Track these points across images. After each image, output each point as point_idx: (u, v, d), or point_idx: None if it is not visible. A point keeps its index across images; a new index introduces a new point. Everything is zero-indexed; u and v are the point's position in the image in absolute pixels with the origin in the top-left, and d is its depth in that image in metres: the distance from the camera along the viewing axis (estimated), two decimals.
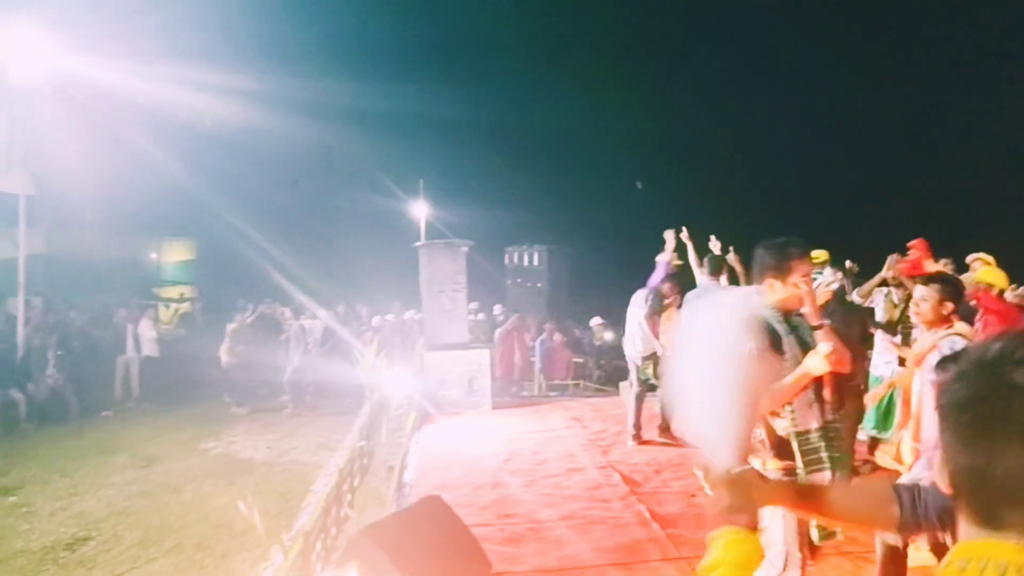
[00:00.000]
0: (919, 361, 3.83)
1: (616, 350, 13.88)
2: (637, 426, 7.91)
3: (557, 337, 13.69)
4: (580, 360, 14.41)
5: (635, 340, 7.94)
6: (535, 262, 19.11)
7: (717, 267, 7.42)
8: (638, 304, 7.89)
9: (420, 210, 24.51)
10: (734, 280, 7.59)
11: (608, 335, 14.18)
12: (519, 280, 19.50)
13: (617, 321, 14.25)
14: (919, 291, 3.81)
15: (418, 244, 11.33)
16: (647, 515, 5.55)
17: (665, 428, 7.93)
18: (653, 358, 7.89)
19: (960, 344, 3.62)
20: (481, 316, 16.68)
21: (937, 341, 3.70)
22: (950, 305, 3.78)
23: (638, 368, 7.97)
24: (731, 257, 7.57)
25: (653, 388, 8.11)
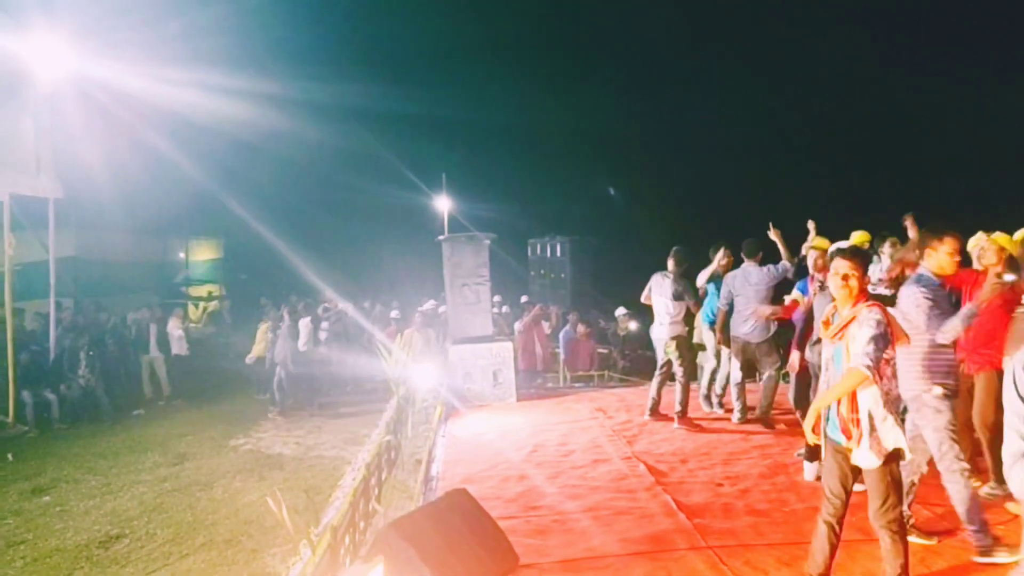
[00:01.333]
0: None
1: (641, 339, 13.83)
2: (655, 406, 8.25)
3: (581, 328, 13.66)
4: (604, 350, 14.37)
5: (662, 323, 8.11)
6: (558, 253, 19.04)
7: (754, 250, 7.74)
8: (662, 291, 7.98)
9: (443, 204, 24.55)
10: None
11: (633, 325, 14.12)
12: (542, 272, 19.44)
13: (641, 310, 14.21)
14: (843, 265, 3.76)
15: (441, 238, 11.34)
16: (673, 505, 5.53)
17: (683, 415, 7.95)
18: (677, 339, 8.03)
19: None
20: (505, 309, 16.72)
21: (858, 313, 3.69)
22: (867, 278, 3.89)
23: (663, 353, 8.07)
24: (772, 233, 7.62)
25: (673, 376, 8.13)
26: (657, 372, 8.35)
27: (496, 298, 15.35)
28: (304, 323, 12.87)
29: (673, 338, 8.04)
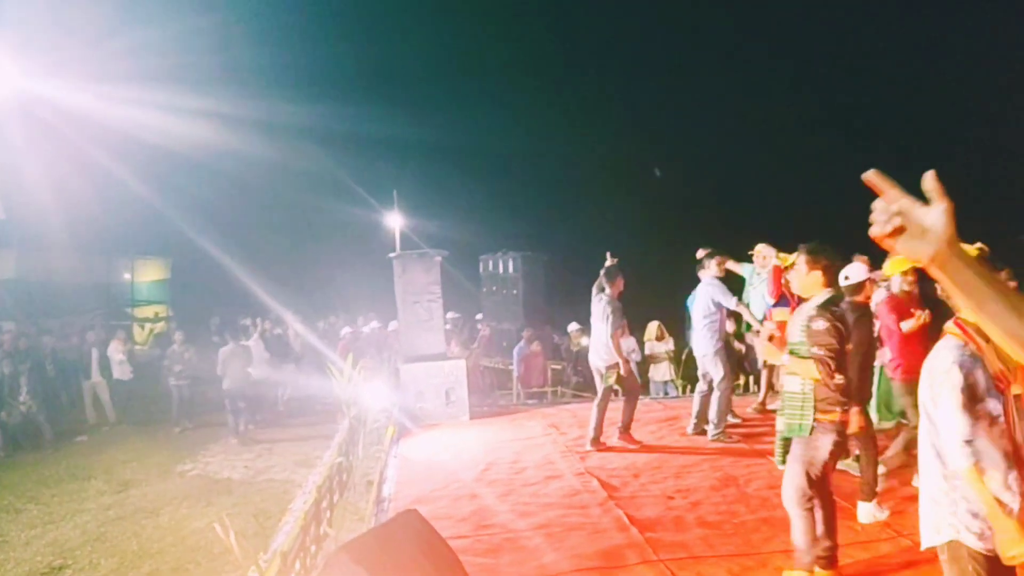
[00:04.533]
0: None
1: None
2: (598, 430, 7.88)
3: (534, 344, 13.69)
4: (558, 366, 14.41)
5: (599, 350, 7.93)
6: (510, 269, 19.02)
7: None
8: (600, 317, 7.85)
9: (395, 221, 24.40)
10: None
11: (585, 340, 14.18)
12: (494, 288, 19.39)
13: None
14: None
15: (392, 255, 11.28)
16: (625, 520, 5.56)
17: (624, 430, 7.96)
18: (616, 367, 7.83)
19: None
20: (448, 327, 16.64)
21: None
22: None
23: (602, 376, 7.98)
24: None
25: (616, 393, 8.12)
26: (596, 402, 8.10)
27: (450, 315, 15.31)
28: (252, 343, 12.71)
29: (611, 366, 7.86)
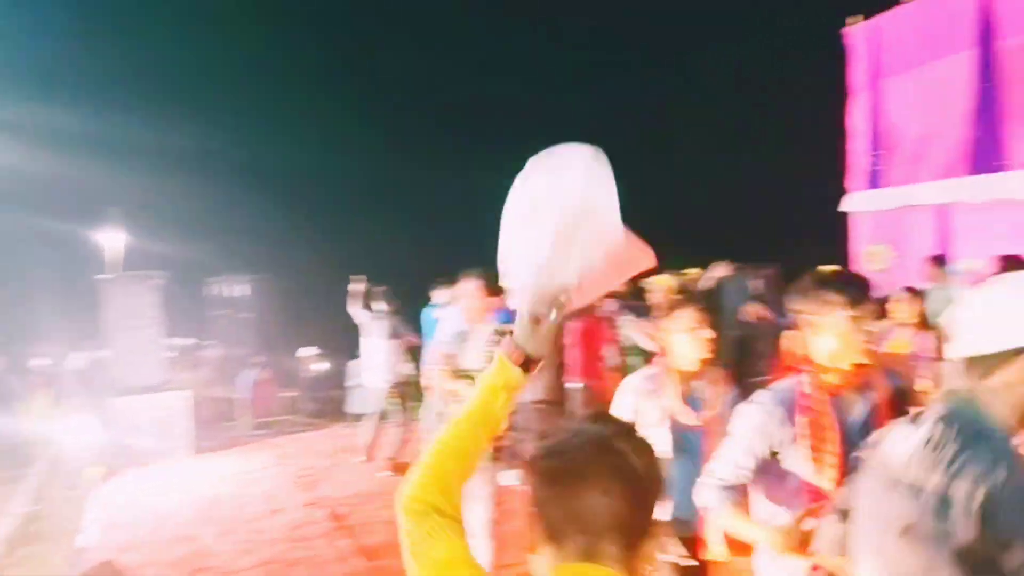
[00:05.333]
0: None
1: (329, 380, 13.58)
2: (373, 447, 7.86)
3: (266, 371, 13.15)
4: (292, 393, 13.92)
5: (380, 369, 7.82)
6: (242, 293, 18.09)
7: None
8: (382, 335, 7.74)
9: (110, 239, 22.23)
10: None
11: (320, 366, 13.86)
12: (224, 312, 18.35)
13: (334, 351, 13.94)
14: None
15: (104, 276, 10.32)
16: (352, 550, 5.45)
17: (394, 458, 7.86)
18: (404, 386, 7.86)
19: None
20: (186, 357, 15.57)
21: None
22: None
23: (381, 395, 7.87)
24: None
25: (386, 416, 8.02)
26: (374, 420, 8.07)
27: (174, 341, 14.26)
28: None
29: (395, 385, 7.91)
